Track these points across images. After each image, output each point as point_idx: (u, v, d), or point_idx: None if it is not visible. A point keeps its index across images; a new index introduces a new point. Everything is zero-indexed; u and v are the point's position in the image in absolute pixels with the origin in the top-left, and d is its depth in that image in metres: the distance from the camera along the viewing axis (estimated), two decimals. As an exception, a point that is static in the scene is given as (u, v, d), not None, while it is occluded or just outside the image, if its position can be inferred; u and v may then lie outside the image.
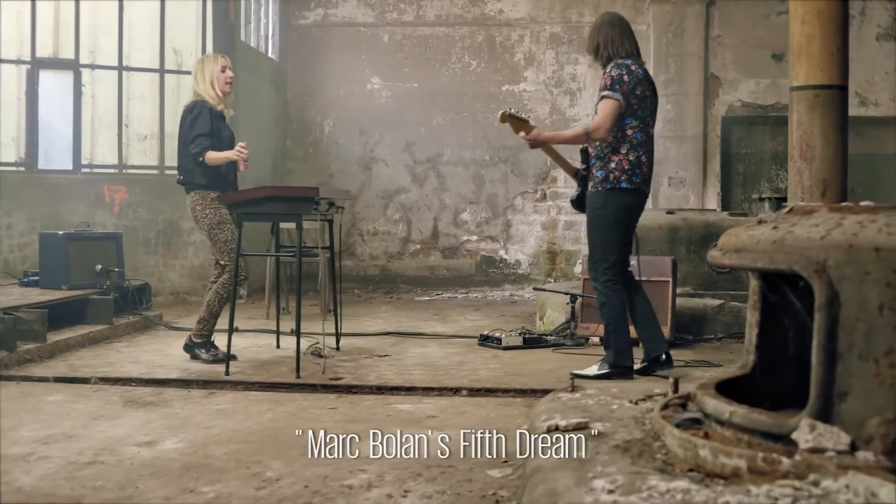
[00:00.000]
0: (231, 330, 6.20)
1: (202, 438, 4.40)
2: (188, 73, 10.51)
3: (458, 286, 12.59)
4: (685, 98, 12.13)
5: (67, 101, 10.04)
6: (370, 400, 5.37)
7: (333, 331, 7.09)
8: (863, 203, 2.87)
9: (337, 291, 7.17)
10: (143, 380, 5.84)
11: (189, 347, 6.53)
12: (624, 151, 5.77)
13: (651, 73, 12.04)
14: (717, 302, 7.66)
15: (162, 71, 10.39)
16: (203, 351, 6.46)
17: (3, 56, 9.77)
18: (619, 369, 5.83)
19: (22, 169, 9.90)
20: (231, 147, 6.52)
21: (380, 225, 12.91)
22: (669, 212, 8.51)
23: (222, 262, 6.42)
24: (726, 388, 3.28)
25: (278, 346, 7.10)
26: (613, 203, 5.79)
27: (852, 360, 2.66)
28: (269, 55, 12.53)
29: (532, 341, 7.28)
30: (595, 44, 5.93)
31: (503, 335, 7.25)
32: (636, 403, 3.66)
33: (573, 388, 3.80)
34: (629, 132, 5.77)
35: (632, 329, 5.86)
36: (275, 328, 7.25)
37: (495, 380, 5.87)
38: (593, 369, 5.91)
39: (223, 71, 6.55)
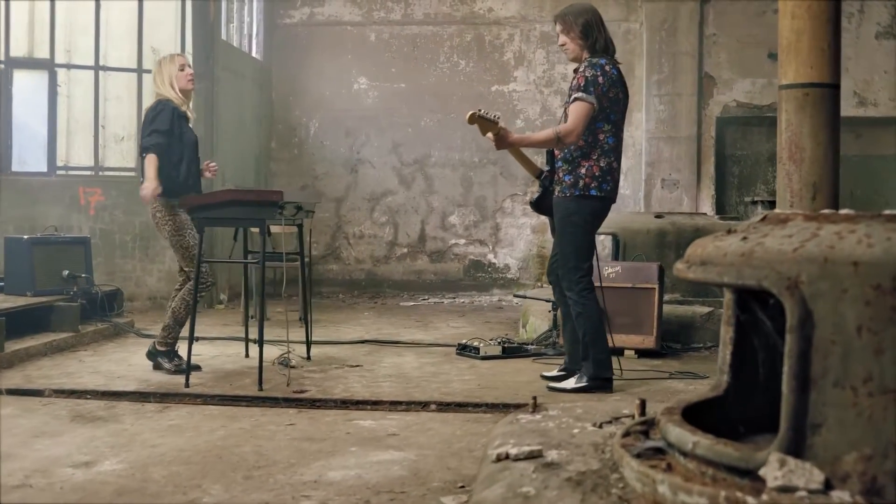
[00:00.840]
0: (191, 339, 5.91)
1: (144, 459, 4.12)
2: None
3: (446, 291, 12.30)
4: (679, 98, 11.83)
5: (42, 102, 9.75)
6: (332, 415, 5.08)
7: (303, 339, 6.82)
8: (842, 211, 2.58)
9: (308, 298, 6.87)
10: (99, 392, 5.55)
11: (152, 355, 6.25)
12: (595, 157, 5.49)
13: (643, 72, 11.92)
14: (706, 309, 7.38)
15: (140, 70, 10.10)
16: (166, 360, 6.18)
17: (-26, 55, 9.48)
18: (598, 382, 5.55)
19: (-5, 170, 9.62)
20: (195, 151, 6.25)
21: (366, 228, 12.61)
22: (658, 215, 8.22)
23: (185, 269, 6.15)
24: (696, 413, 2.99)
25: (247, 356, 6.82)
26: (584, 210, 5.52)
27: (827, 387, 2.37)
28: (254, 55, 12.24)
29: (511, 351, 7.00)
30: (581, 26, 5.56)
31: (482, 344, 6.97)
32: (600, 427, 3.38)
33: (535, 408, 3.51)
34: (601, 137, 5.49)
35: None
36: (254, 336, 6.94)
37: (467, 393, 5.59)
38: (570, 382, 5.64)
39: (182, 69, 6.26)
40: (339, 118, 12.60)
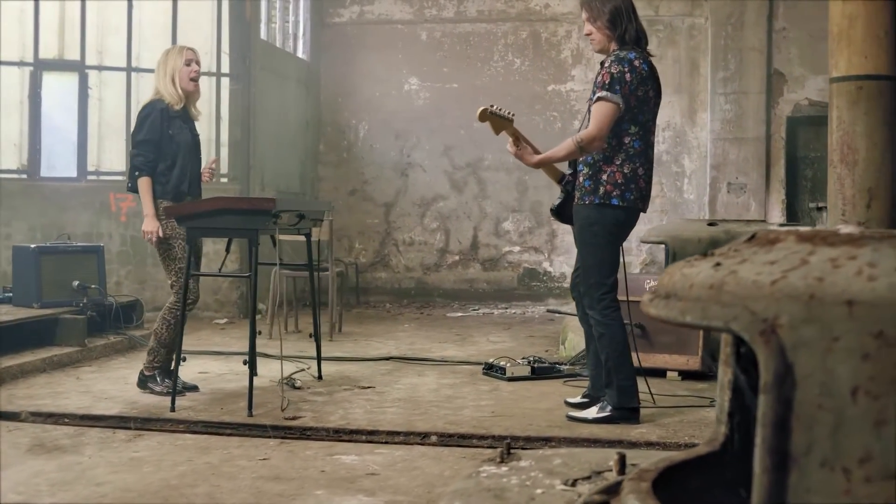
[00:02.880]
0: (178, 360, 5.46)
1: (83, 500, 3.66)
2: (203, 73, 9.89)
3: (498, 300, 11.72)
4: (745, 96, 11.07)
5: (72, 105, 9.46)
6: (315, 448, 4.57)
7: (324, 355, 6.36)
8: (844, 229, 1.97)
9: (316, 313, 6.38)
10: (78, 416, 5.14)
11: (142, 382, 5.80)
12: (618, 162, 4.87)
13: (708, 69, 11.19)
14: (759, 327, 6.68)
15: (174, 72, 9.74)
16: (157, 383, 5.73)
17: (4, 58, 9.23)
18: (622, 412, 4.95)
19: (24, 176, 9.36)
20: (191, 153, 5.81)
21: (416, 234, 12.10)
22: (711, 223, 7.55)
23: (170, 282, 5.72)
24: (685, 472, 2.41)
25: (255, 374, 6.34)
26: (606, 219, 4.91)
27: (811, 467, 1.76)
28: (300, 55, 11.84)
29: (542, 371, 6.41)
30: (609, 13, 4.94)
31: (509, 364, 6.40)
32: (572, 485, 2.79)
33: (503, 459, 2.95)
34: (626, 140, 4.87)
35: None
36: (271, 351, 6.52)
37: (476, 422, 5.03)
38: (593, 411, 5.05)
39: (188, 65, 5.82)
40: (389, 120, 12.12)
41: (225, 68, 9.96)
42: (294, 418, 5.09)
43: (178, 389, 5.65)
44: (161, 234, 5.58)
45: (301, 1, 11.88)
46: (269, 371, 6.34)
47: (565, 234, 11.74)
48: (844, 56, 4.84)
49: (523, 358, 6.69)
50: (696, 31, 11.48)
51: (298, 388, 5.92)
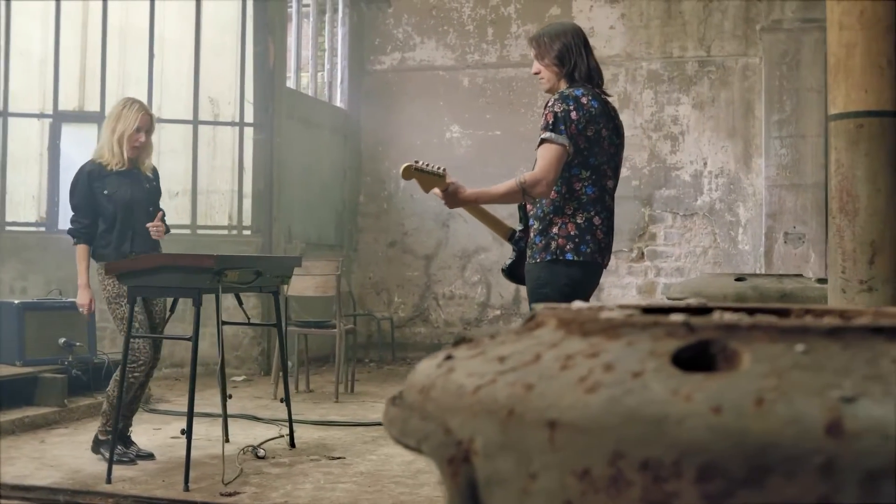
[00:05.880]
0: (115, 428, 5.07)
1: None
2: (226, 123, 9.71)
3: (541, 357, 11.12)
4: (802, 140, 10.34)
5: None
6: (231, 533, 4.11)
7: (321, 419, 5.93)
8: (607, 312, 1.43)
9: (285, 375, 5.94)
10: (9, 486, 4.79)
11: (95, 446, 5.43)
12: (570, 212, 4.27)
13: (762, 111, 10.51)
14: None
15: (196, 122, 9.54)
16: (107, 450, 5.34)
17: (24, 110, 9.13)
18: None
19: (42, 229, 9.21)
20: (135, 209, 5.48)
21: (456, 288, 11.62)
22: (739, 278, 6.89)
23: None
24: None
25: (227, 440, 5.91)
26: (558, 279, 4.31)
27: None
28: (337, 103, 11.54)
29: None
30: (557, 51, 4.40)
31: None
32: None
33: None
34: (577, 186, 4.27)
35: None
36: (262, 414, 6.12)
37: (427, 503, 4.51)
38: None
39: (138, 131, 5.47)
40: (430, 169, 11.70)
41: (249, 118, 9.70)
42: (231, 494, 4.64)
43: (129, 458, 5.30)
44: (93, 308, 5.34)
45: (339, 48, 11.61)
46: (244, 438, 5.93)
47: (611, 287, 11.15)
48: (842, 90, 4.22)
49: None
50: (751, 71, 10.83)
51: (262, 458, 5.47)
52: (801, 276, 7.41)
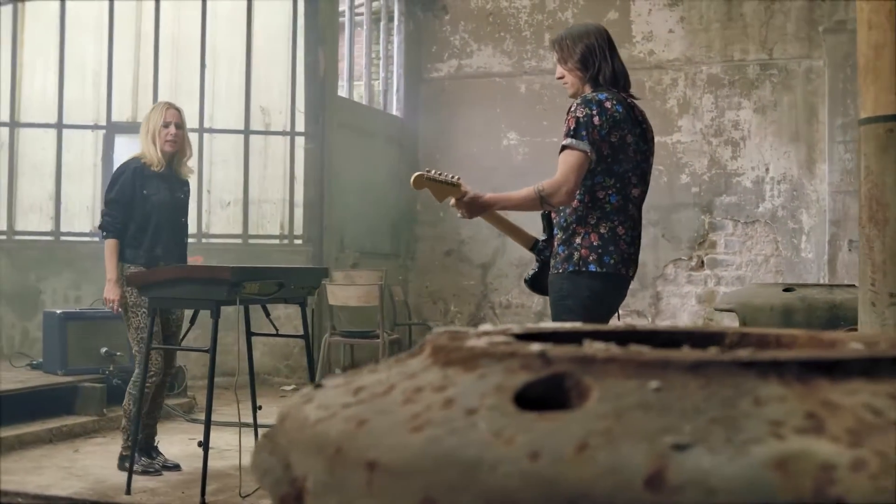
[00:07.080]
0: (135, 441, 5.06)
1: None
2: (277, 133, 9.72)
3: (598, 368, 10.92)
4: (868, 145, 9.97)
5: (145, 167, 9.39)
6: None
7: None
8: (473, 340, 1.30)
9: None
10: (31, 495, 4.81)
11: (120, 463, 5.41)
12: (593, 222, 4.12)
13: (826, 116, 10.18)
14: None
15: (247, 132, 9.58)
16: (134, 462, 5.34)
17: (78, 121, 9.27)
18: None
19: (96, 239, 9.31)
20: (170, 214, 5.50)
21: (513, 297, 11.48)
22: (787, 289, 6.64)
23: (133, 352, 5.35)
24: None
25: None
26: (581, 290, 4.16)
27: None
28: (393, 112, 11.51)
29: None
30: (580, 53, 4.25)
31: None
32: None
33: None
34: (600, 195, 4.11)
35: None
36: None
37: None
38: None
39: (166, 126, 5.50)
40: (487, 177, 11.54)
41: (300, 127, 9.71)
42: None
43: (154, 469, 5.29)
44: (121, 304, 5.27)
45: (395, 56, 11.58)
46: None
47: (671, 296, 10.90)
48: (871, 93, 4.02)
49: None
50: (814, 74, 10.50)
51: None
52: (853, 286, 7.10)
